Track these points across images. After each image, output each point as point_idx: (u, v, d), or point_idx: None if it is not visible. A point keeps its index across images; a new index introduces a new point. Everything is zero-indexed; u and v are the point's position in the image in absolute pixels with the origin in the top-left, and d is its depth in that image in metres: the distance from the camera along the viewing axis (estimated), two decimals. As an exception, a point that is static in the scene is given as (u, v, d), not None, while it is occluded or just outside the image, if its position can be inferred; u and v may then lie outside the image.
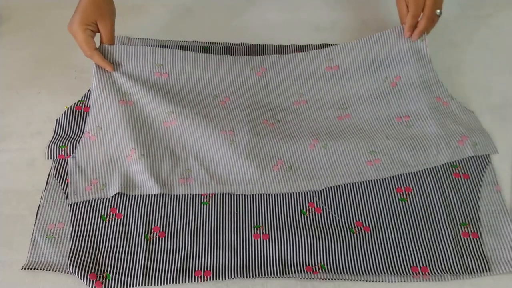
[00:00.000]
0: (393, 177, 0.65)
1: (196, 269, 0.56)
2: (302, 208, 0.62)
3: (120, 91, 0.70)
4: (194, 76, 0.74)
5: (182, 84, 0.73)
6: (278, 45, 0.83)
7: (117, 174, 0.63)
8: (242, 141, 0.66)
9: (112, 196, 0.62)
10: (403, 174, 0.65)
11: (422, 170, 0.65)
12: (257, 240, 0.59)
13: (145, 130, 0.67)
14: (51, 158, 0.66)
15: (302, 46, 0.83)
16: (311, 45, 0.83)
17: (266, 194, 0.63)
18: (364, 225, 0.60)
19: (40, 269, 0.56)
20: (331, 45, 0.79)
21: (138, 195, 0.62)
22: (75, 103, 0.72)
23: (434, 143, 0.66)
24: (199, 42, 0.83)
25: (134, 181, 0.63)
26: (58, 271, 0.56)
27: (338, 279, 0.56)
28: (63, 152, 0.66)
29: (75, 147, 0.66)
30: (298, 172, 0.64)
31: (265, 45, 0.83)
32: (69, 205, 0.61)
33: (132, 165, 0.64)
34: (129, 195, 0.62)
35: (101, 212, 0.61)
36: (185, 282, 0.55)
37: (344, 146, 0.66)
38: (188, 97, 0.72)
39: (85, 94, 0.74)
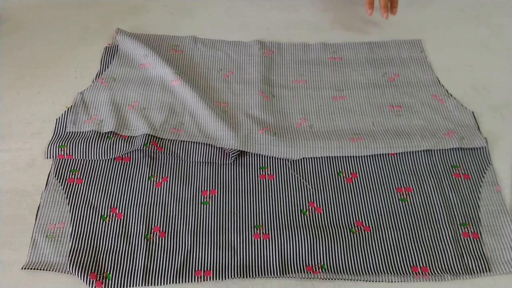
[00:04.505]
0: (393, 177, 0.65)
1: (196, 269, 0.56)
2: (302, 208, 0.62)
3: (140, 55, 0.79)
4: (205, 53, 0.82)
5: (193, 58, 0.81)
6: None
7: (114, 115, 0.70)
8: (233, 111, 0.72)
9: (112, 196, 0.62)
10: (403, 174, 0.65)
11: (422, 170, 0.65)
12: (257, 240, 0.59)
13: (154, 89, 0.74)
14: (50, 157, 0.66)
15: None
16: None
17: (266, 194, 0.63)
18: (364, 225, 0.60)
19: (40, 269, 0.56)
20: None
21: (138, 195, 0.63)
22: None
23: (420, 133, 0.68)
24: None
25: (128, 123, 0.69)
26: (58, 271, 0.56)
27: (338, 279, 0.56)
28: (63, 152, 0.66)
29: (75, 147, 0.66)
30: (281, 138, 0.67)
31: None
32: (69, 205, 0.61)
33: (130, 113, 0.70)
34: (129, 195, 0.63)
35: (101, 212, 0.61)
36: (185, 282, 0.55)
37: (329, 129, 0.70)
38: (196, 68, 0.79)
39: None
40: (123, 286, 0.55)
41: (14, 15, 0.88)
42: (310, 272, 0.56)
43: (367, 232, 0.59)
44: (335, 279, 0.56)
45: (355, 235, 0.59)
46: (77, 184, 0.63)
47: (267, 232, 0.59)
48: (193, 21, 0.88)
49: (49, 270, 0.56)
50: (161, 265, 0.56)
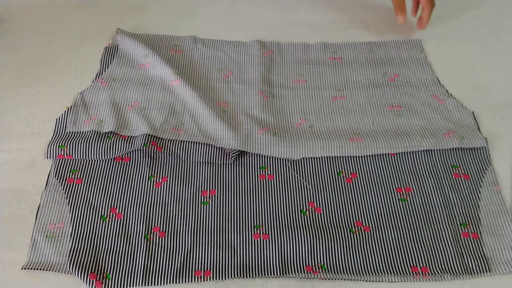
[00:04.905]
0: (393, 177, 0.65)
1: (196, 269, 0.56)
2: (302, 208, 0.62)
3: (140, 55, 0.79)
4: (205, 53, 0.82)
5: (193, 58, 0.81)
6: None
7: (114, 115, 0.70)
8: (233, 111, 0.72)
9: (112, 196, 0.62)
10: (403, 174, 0.65)
11: (422, 170, 0.65)
12: (257, 240, 0.59)
13: (154, 89, 0.74)
14: (50, 157, 0.66)
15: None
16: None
17: (266, 194, 0.63)
18: (364, 225, 0.60)
19: (40, 269, 0.56)
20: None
21: (138, 195, 0.63)
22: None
23: (420, 133, 0.68)
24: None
25: (128, 123, 0.69)
26: (58, 271, 0.56)
27: (338, 279, 0.56)
28: (63, 152, 0.66)
29: (75, 147, 0.66)
30: (281, 138, 0.67)
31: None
32: (69, 205, 0.61)
33: (130, 113, 0.70)
34: (129, 195, 0.63)
35: (101, 212, 0.61)
36: (185, 282, 0.55)
37: (329, 129, 0.70)
38: (196, 68, 0.79)
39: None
40: (123, 286, 0.55)
41: (14, 15, 0.88)
42: (310, 272, 0.56)
43: (367, 232, 0.59)
44: (335, 279, 0.56)
45: (355, 235, 0.59)
46: (77, 184, 0.63)
47: (267, 232, 0.59)
48: (193, 21, 0.88)
49: (49, 270, 0.56)
50: (161, 265, 0.56)
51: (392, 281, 0.56)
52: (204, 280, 0.55)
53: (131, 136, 0.68)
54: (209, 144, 0.67)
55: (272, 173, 0.65)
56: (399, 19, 0.80)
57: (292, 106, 0.74)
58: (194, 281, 0.55)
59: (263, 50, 0.82)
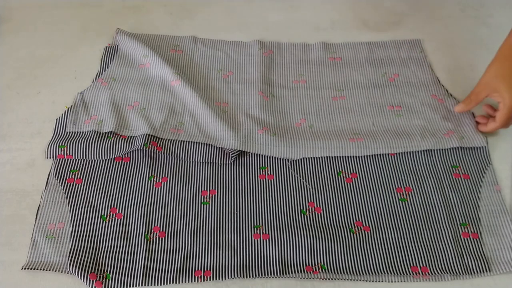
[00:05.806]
0: (393, 177, 0.65)
1: (196, 269, 0.56)
2: (302, 208, 0.62)
3: (140, 55, 0.79)
4: (205, 53, 0.82)
5: (193, 58, 0.81)
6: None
7: (114, 115, 0.70)
8: (233, 111, 0.72)
9: (112, 196, 0.62)
10: (403, 174, 0.65)
11: (422, 170, 0.65)
12: (257, 240, 0.59)
13: (154, 89, 0.74)
14: (50, 157, 0.66)
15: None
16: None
17: (266, 194, 0.63)
18: (364, 225, 0.60)
19: (40, 269, 0.56)
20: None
21: (138, 195, 0.63)
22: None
23: (419, 132, 0.68)
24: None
25: (128, 123, 0.69)
26: (58, 271, 0.56)
27: (338, 279, 0.56)
28: (63, 152, 0.66)
29: (75, 147, 0.66)
30: (281, 138, 0.67)
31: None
32: (69, 205, 0.61)
33: (130, 113, 0.70)
34: (129, 195, 0.63)
35: (101, 212, 0.61)
36: (185, 282, 0.55)
37: (329, 129, 0.70)
38: (196, 68, 0.79)
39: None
40: (123, 286, 0.55)
41: (14, 15, 0.88)
42: (310, 272, 0.56)
43: (367, 232, 0.59)
44: (335, 279, 0.56)
45: (355, 235, 0.59)
46: (77, 184, 0.63)
47: (267, 232, 0.59)
48: (193, 21, 0.88)
49: (49, 270, 0.56)
50: (161, 265, 0.56)
51: (392, 281, 0.56)
52: (204, 280, 0.55)
53: (131, 136, 0.68)
54: (209, 144, 0.67)
55: (272, 173, 0.65)
56: (459, 107, 0.70)
57: (292, 106, 0.74)
58: (194, 281, 0.55)
59: (263, 50, 0.82)
